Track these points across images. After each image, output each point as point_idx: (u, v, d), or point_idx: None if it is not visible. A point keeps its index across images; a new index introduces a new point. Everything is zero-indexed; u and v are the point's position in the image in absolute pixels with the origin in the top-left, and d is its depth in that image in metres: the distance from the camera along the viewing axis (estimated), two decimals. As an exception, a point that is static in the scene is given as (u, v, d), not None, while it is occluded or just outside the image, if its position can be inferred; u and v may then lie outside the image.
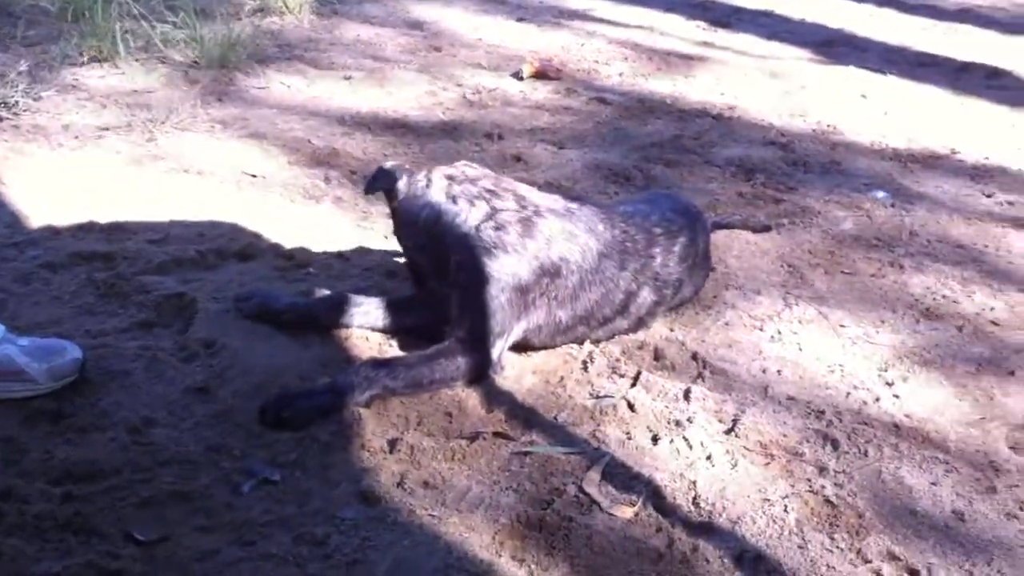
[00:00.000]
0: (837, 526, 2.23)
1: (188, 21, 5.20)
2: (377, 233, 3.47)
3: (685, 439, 2.46)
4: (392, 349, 2.82)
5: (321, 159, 4.09)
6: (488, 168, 2.98)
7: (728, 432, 2.52)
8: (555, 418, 2.56)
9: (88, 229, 3.36)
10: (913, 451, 2.49)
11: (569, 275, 2.78)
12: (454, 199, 2.78)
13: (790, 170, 4.29)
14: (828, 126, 4.85)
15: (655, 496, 2.29)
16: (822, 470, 2.40)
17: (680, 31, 6.49)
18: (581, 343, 2.87)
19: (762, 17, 6.97)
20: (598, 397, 2.65)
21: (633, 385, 2.69)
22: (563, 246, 2.77)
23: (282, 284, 3.08)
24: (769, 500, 2.29)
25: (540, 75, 5.29)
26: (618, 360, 2.82)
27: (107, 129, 4.20)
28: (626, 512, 2.23)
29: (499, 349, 2.70)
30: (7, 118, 4.21)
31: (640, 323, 2.96)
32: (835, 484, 2.35)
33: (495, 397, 2.63)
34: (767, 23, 6.81)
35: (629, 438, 2.48)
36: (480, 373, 2.67)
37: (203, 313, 2.86)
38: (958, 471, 2.43)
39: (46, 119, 4.26)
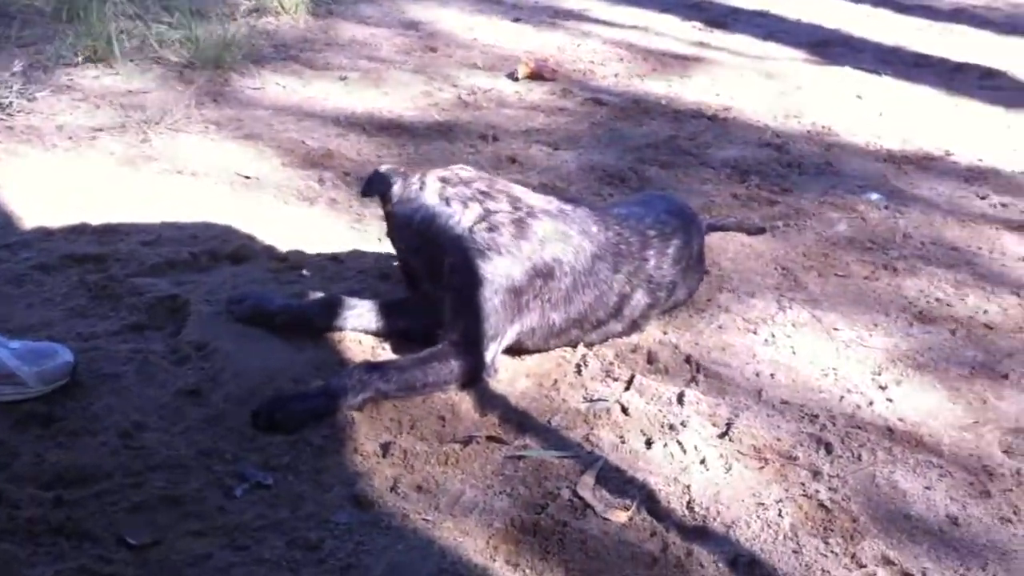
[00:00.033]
0: (831, 530, 2.23)
1: (183, 21, 5.20)
2: (371, 235, 3.46)
3: (679, 443, 2.46)
4: (386, 352, 2.82)
5: (315, 160, 4.08)
6: (483, 169, 2.98)
7: (722, 436, 2.52)
8: (549, 422, 2.55)
9: (81, 231, 3.36)
10: (907, 455, 2.49)
11: (563, 276, 2.78)
12: (447, 201, 2.77)
13: (785, 172, 4.29)
14: (823, 127, 4.84)
15: (649, 500, 2.29)
16: (816, 474, 2.40)
17: (676, 31, 6.49)
18: (575, 346, 2.87)
19: (758, 17, 6.96)
20: (592, 401, 2.64)
21: (627, 389, 2.69)
22: (556, 247, 2.77)
23: (275, 286, 3.07)
24: (763, 504, 2.28)
25: (535, 76, 5.29)
26: (612, 363, 2.81)
27: (101, 130, 4.19)
28: (620, 516, 2.22)
29: (492, 352, 2.70)
30: (1, 119, 4.20)
31: (634, 326, 2.95)
32: (829, 488, 2.35)
33: (488, 401, 2.63)
34: (763, 23, 6.80)
35: (623, 442, 2.48)
36: (474, 376, 2.66)
37: (196, 315, 2.86)
38: (952, 475, 2.43)
39: (40, 120, 4.25)
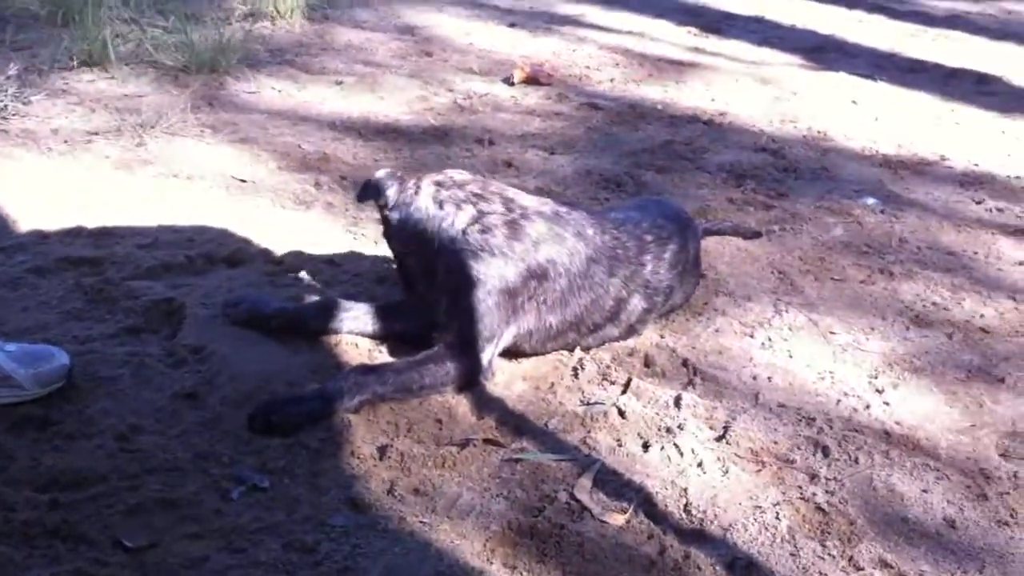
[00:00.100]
0: (829, 533, 2.22)
1: (178, 25, 5.20)
2: (367, 239, 3.46)
3: (676, 446, 2.46)
4: (382, 355, 2.81)
5: (311, 164, 4.08)
6: (479, 174, 2.98)
7: (719, 439, 2.52)
8: (546, 425, 2.55)
9: (76, 234, 3.35)
10: (904, 458, 2.49)
11: (557, 278, 2.78)
12: (441, 204, 2.78)
13: (781, 176, 4.29)
14: (819, 132, 4.85)
15: (646, 503, 2.28)
16: (813, 477, 2.40)
17: (671, 37, 6.49)
18: (572, 350, 2.87)
19: (753, 23, 6.98)
20: (589, 404, 2.64)
21: (624, 392, 2.68)
22: (550, 249, 2.77)
23: (271, 290, 3.07)
24: (760, 507, 2.28)
25: (531, 80, 5.29)
26: (608, 367, 2.81)
27: (96, 133, 4.19)
28: (617, 519, 2.22)
29: (489, 354, 2.70)
30: (-4, 122, 4.20)
31: (631, 330, 2.95)
32: (826, 491, 2.35)
33: (485, 403, 2.63)
34: (758, 29, 6.82)
35: (620, 445, 2.47)
36: (470, 379, 2.66)
37: (192, 319, 2.85)
38: (949, 478, 2.43)
39: (35, 123, 4.24)
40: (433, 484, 2.30)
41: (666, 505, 2.28)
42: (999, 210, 4.06)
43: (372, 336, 2.86)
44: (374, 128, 4.53)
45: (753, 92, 5.44)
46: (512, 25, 6.49)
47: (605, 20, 6.79)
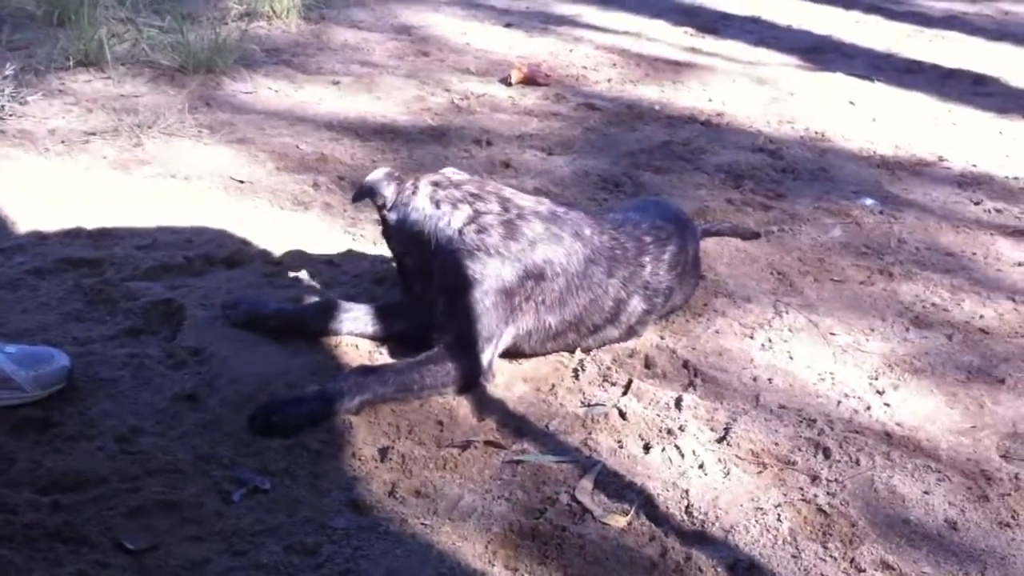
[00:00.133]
0: (830, 535, 2.22)
1: (174, 25, 5.18)
2: (366, 239, 3.46)
3: (677, 447, 2.46)
4: (382, 357, 2.81)
5: (309, 165, 4.07)
6: (477, 174, 2.97)
7: (720, 441, 2.52)
8: (546, 426, 2.55)
9: (75, 235, 3.34)
10: (905, 460, 2.49)
11: (555, 278, 2.77)
12: (438, 204, 2.78)
13: (779, 177, 4.29)
14: (816, 132, 4.85)
15: (648, 505, 2.28)
16: (814, 479, 2.40)
17: (668, 37, 6.50)
18: (572, 351, 2.86)
19: (749, 23, 6.98)
20: (589, 405, 2.64)
21: (624, 393, 2.68)
22: (547, 248, 2.77)
23: (270, 290, 3.06)
24: (762, 509, 2.28)
25: (528, 81, 5.29)
26: (609, 368, 2.81)
27: (94, 134, 4.18)
28: (619, 521, 2.22)
29: (488, 354, 2.69)
30: (-7, 123, 4.19)
31: (631, 332, 2.95)
32: (828, 493, 2.35)
33: (486, 405, 2.63)
34: (754, 29, 6.82)
35: (621, 447, 2.47)
36: (470, 378, 2.66)
37: (191, 320, 2.85)
38: (950, 480, 2.43)
39: (32, 124, 4.23)
40: (434, 486, 2.30)
41: (667, 507, 2.28)
42: (997, 211, 4.06)
43: (372, 337, 2.86)
44: (371, 128, 4.52)
45: (750, 92, 5.44)
46: (509, 25, 6.49)
47: (602, 20, 6.79)
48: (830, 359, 2.94)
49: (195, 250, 3.27)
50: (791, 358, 2.92)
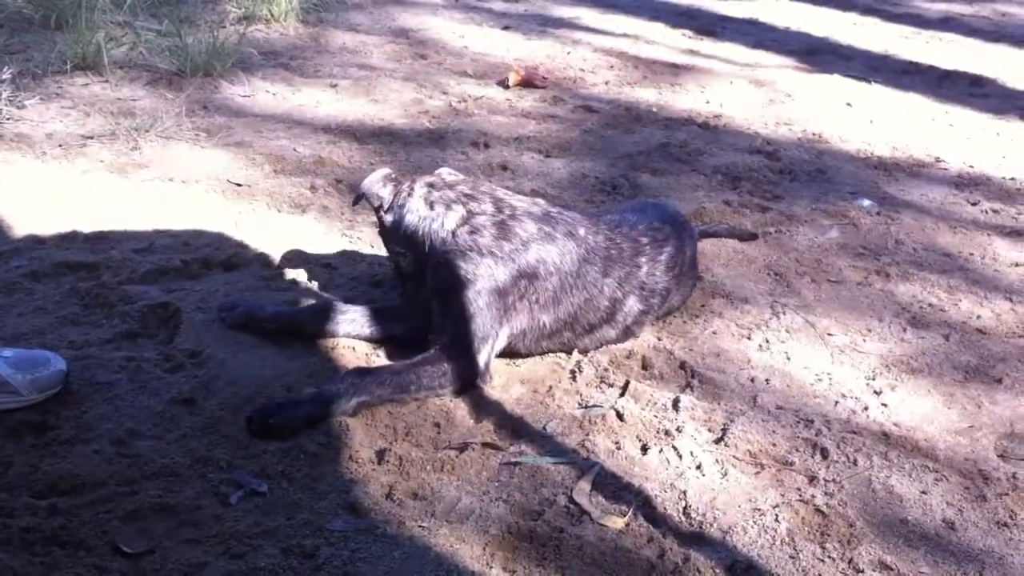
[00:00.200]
0: (828, 535, 2.22)
1: (172, 29, 5.18)
2: (363, 242, 3.46)
3: (675, 448, 2.46)
4: (380, 358, 2.81)
5: (307, 168, 4.07)
6: (474, 176, 2.97)
7: (717, 441, 2.52)
8: (544, 428, 2.55)
9: (72, 238, 3.34)
10: (902, 460, 2.49)
11: (548, 277, 2.77)
12: (432, 205, 2.79)
13: (776, 178, 4.30)
14: (814, 134, 4.86)
15: (645, 506, 2.28)
16: (812, 479, 2.40)
17: (666, 39, 6.50)
18: (569, 352, 2.86)
19: (747, 26, 6.99)
20: (587, 407, 2.64)
21: (622, 395, 2.68)
22: (540, 248, 2.77)
23: (267, 293, 3.06)
24: (760, 510, 2.28)
25: (526, 83, 5.29)
26: (606, 369, 2.81)
27: (91, 137, 4.18)
28: (617, 522, 2.22)
29: (485, 355, 2.69)
30: (-10, 126, 4.19)
31: (628, 332, 2.95)
32: (825, 493, 2.35)
33: (483, 407, 2.62)
34: (752, 31, 6.83)
35: (618, 448, 2.47)
36: (467, 379, 2.66)
37: (188, 323, 2.85)
38: (948, 480, 2.43)
39: (30, 127, 4.23)
40: (432, 488, 2.29)
41: (665, 508, 2.28)
42: (994, 211, 4.07)
43: (369, 339, 2.86)
44: (369, 131, 4.52)
45: (748, 94, 5.45)
46: (506, 28, 6.50)
47: (599, 23, 6.80)
48: (827, 360, 2.94)
49: (192, 253, 3.27)
50: (788, 359, 2.92)
